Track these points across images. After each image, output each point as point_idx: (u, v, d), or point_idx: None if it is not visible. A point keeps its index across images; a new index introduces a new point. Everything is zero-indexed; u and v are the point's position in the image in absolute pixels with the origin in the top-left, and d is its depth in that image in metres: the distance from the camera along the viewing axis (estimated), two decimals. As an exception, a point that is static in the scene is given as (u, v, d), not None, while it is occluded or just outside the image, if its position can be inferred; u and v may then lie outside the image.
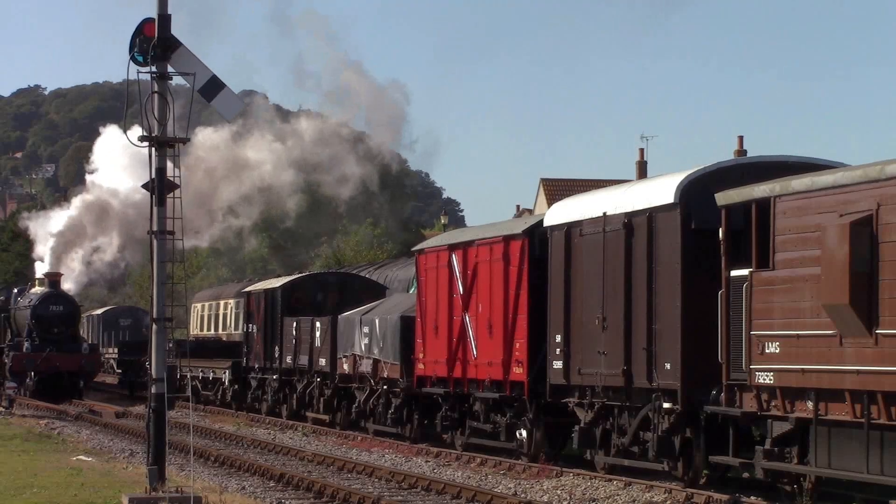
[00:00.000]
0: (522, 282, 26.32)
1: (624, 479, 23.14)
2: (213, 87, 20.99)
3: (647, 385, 22.22)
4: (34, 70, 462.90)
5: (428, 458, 29.11)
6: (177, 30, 20.69)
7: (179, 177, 21.14)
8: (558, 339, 24.73)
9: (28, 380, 51.57)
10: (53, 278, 53.45)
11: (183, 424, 35.43)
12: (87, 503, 20.44)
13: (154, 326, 20.96)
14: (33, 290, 54.22)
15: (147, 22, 20.89)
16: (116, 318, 75.51)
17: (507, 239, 27.10)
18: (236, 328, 50.62)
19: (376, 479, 25.18)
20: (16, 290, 57.92)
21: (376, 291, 39.38)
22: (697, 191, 21.60)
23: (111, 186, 53.49)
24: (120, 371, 59.77)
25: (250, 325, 43.39)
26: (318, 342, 37.40)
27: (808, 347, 18.40)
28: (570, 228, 24.62)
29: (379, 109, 47.31)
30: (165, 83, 20.86)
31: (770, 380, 19.11)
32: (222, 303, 55.54)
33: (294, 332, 39.15)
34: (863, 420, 17.62)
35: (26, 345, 51.78)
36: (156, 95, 20.81)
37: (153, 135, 20.82)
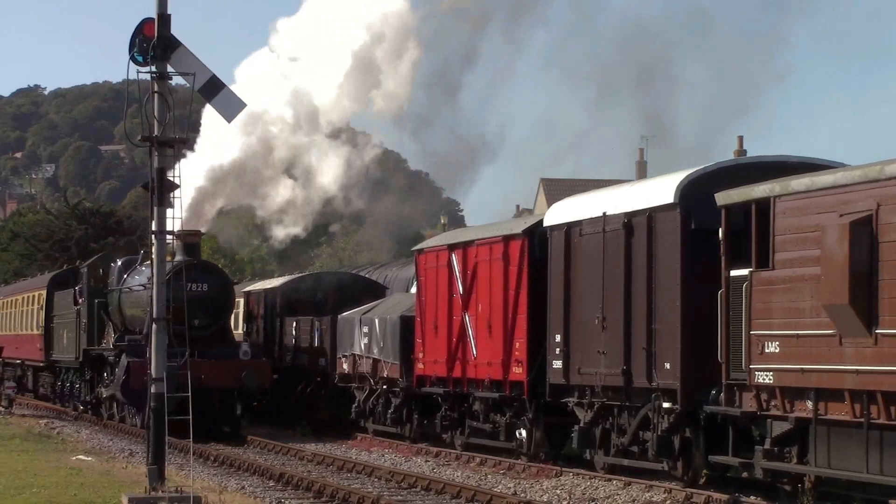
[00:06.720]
0: (522, 282, 26.31)
1: (623, 478, 23.13)
2: (213, 87, 20.98)
3: (646, 385, 22.21)
4: (34, 70, 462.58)
5: (427, 458, 29.10)
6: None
7: (179, 176, 21.15)
8: (558, 338, 24.73)
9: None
10: (192, 240, 34.32)
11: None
12: (87, 503, 20.44)
13: (154, 326, 20.99)
14: (149, 263, 34.10)
15: (147, 22, 20.90)
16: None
17: (507, 239, 27.09)
18: (236, 328, 50.52)
19: (376, 479, 25.17)
20: (120, 263, 37.93)
21: (376, 291, 39.30)
22: (697, 191, 21.59)
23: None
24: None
25: (250, 325, 43.34)
26: (317, 342, 37.39)
27: (808, 347, 18.39)
28: (569, 228, 24.61)
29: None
30: (165, 83, 20.87)
31: (770, 379, 19.11)
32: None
33: (294, 332, 39.13)
34: (862, 420, 17.62)
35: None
36: (155, 95, 20.83)
37: (153, 135, 20.84)
